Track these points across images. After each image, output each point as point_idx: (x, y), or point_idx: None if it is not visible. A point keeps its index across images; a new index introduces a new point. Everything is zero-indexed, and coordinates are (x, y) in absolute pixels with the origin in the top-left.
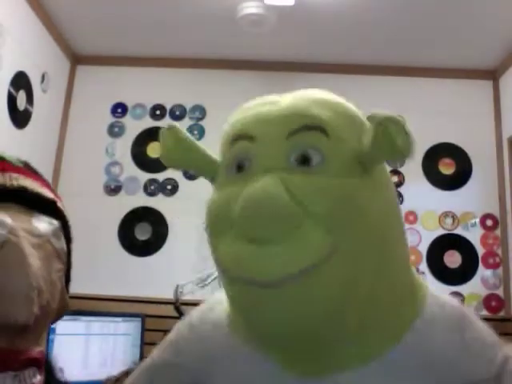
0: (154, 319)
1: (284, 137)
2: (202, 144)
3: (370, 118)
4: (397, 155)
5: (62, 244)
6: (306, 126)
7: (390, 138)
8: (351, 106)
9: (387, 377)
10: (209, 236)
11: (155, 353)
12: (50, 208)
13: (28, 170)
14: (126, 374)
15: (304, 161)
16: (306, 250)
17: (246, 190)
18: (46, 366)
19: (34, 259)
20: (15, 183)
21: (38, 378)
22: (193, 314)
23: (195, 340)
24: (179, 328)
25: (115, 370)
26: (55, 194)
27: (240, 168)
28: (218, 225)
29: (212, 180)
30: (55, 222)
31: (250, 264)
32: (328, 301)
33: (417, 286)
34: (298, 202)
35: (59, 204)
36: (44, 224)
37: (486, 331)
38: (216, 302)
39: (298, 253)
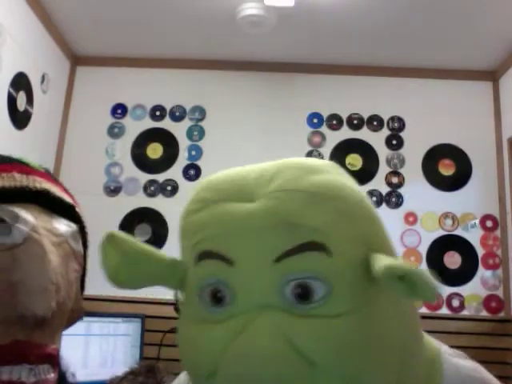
0: (153, 320)
1: (271, 261)
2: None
3: (387, 270)
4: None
5: (80, 247)
6: (300, 246)
7: (412, 288)
8: (353, 188)
9: None
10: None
11: None
12: (68, 213)
13: (49, 175)
14: (131, 373)
15: (304, 294)
16: None
17: (239, 349)
18: (59, 367)
19: (54, 256)
20: (38, 186)
21: (52, 375)
22: None
23: None
24: None
25: (115, 371)
26: (74, 200)
27: (218, 299)
28: (201, 377)
29: (177, 287)
30: (73, 226)
31: None
32: None
33: (431, 360)
34: (306, 359)
35: (77, 209)
36: (63, 225)
37: None
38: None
39: None
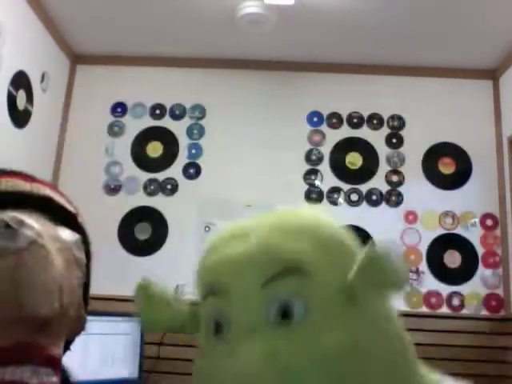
0: None
1: (259, 287)
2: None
3: (364, 253)
4: (387, 289)
5: (83, 256)
6: (282, 271)
7: (378, 272)
8: (331, 226)
9: None
10: None
11: None
12: (71, 222)
13: (52, 186)
14: None
15: (285, 313)
16: None
17: (228, 368)
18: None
19: (58, 260)
20: (42, 192)
21: (54, 379)
22: None
23: None
24: None
25: (115, 370)
26: (77, 211)
27: (218, 329)
28: None
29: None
30: (77, 235)
31: None
32: None
33: None
34: (289, 373)
35: (80, 219)
36: (67, 233)
37: None
38: None
39: None
